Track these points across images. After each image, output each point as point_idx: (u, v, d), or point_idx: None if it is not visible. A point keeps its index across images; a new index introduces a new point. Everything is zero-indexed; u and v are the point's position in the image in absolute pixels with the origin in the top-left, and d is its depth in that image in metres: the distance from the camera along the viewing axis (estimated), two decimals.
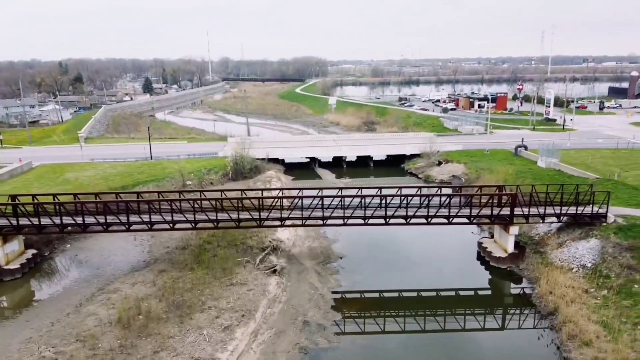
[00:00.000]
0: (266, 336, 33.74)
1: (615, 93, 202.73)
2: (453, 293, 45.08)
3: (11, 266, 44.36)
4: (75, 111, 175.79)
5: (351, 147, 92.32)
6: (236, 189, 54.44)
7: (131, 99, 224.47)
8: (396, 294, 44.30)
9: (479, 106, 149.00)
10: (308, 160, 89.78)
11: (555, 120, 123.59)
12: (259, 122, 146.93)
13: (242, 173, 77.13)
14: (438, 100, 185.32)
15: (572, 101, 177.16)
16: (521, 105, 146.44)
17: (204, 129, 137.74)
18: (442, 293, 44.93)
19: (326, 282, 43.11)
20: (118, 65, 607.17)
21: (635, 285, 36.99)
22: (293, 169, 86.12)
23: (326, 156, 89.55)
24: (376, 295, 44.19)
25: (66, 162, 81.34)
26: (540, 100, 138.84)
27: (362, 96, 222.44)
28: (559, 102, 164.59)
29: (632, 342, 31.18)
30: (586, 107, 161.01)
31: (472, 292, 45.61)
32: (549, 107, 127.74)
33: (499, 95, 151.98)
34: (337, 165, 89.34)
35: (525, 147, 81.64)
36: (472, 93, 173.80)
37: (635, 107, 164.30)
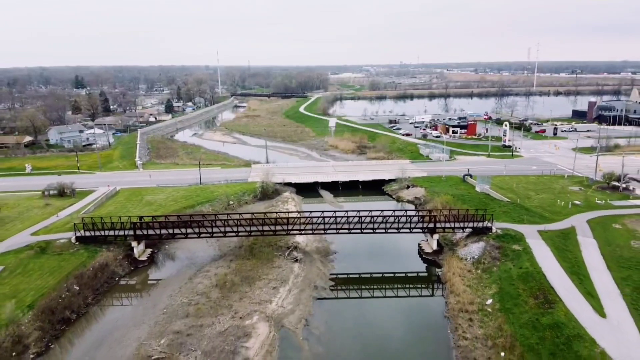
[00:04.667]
0: (295, 292, 64.63)
1: (577, 116, 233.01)
2: (403, 274, 75.65)
3: (142, 258, 75.56)
4: (113, 133, 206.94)
5: (345, 173, 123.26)
6: (271, 211, 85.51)
7: (155, 119, 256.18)
8: (368, 275, 74.84)
9: (453, 132, 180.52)
10: (313, 182, 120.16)
11: (510, 147, 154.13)
12: (270, 144, 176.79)
13: (267, 194, 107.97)
14: (422, 122, 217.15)
15: (536, 123, 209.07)
16: (487, 132, 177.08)
17: (227, 152, 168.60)
18: (397, 274, 75.42)
19: (326, 266, 74.17)
20: (126, 74, 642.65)
21: (494, 268, 67.75)
22: (302, 190, 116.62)
23: (326, 180, 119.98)
24: (356, 275, 74.70)
25: (138, 186, 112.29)
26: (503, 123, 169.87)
27: (359, 116, 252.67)
28: (523, 126, 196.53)
29: (479, 295, 61.97)
30: (545, 132, 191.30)
31: (415, 274, 76.29)
32: (506, 136, 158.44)
33: (469, 123, 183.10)
34: (335, 186, 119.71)
35: (470, 175, 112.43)
36: (449, 119, 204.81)
37: (588, 130, 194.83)
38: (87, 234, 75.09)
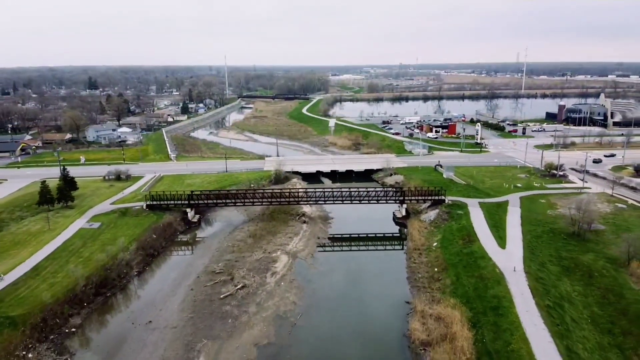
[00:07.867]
0: (304, 240, 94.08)
1: (550, 118, 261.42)
2: (382, 234, 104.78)
3: (193, 220, 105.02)
4: (139, 132, 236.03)
5: (342, 164, 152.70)
6: (285, 188, 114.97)
7: (173, 119, 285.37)
8: (356, 235, 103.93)
9: (436, 131, 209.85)
10: (316, 172, 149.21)
11: (481, 144, 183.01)
12: (279, 141, 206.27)
13: (279, 180, 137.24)
14: (411, 122, 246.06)
15: (512, 124, 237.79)
16: (464, 131, 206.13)
17: (242, 148, 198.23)
18: (377, 234, 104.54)
19: (325, 226, 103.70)
20: (132, 75, 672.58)
21: (442, 225, 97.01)
22: (307, 177, 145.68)
23: (326, 169, 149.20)
24: (347, 235, 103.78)
25: (177, 173, 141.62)
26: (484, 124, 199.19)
27: (356, 117, 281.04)
28: (492, 125, 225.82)
29: (428, 240, 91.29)
30: (517, 131, 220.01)
31: (390, 234, 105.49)
32: (478, 135, 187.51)
33: (450, 124, 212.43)
34: (333, 175, 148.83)
35: (441, 166, 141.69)
36: (434, 120, 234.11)
37: (555, 130, 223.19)
38: (154, 203, 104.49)
